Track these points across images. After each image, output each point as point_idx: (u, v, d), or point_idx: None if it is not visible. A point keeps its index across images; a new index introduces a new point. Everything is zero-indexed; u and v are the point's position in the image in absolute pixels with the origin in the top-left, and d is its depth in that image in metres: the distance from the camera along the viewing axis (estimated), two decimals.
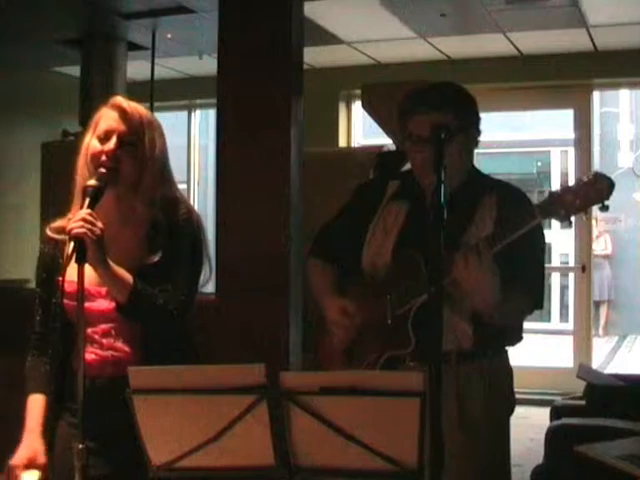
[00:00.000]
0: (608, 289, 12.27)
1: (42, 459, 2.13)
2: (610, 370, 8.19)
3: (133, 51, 6.68)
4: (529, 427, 5.40)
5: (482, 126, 2.43)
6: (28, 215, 6.53)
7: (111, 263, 2.06)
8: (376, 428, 1.63)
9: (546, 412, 3.83)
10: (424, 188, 2.42)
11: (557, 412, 3.71)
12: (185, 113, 8.69)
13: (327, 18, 6.23)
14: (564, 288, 12.09)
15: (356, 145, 7.95)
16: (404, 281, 2.32)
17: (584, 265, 7.26)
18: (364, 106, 5.21)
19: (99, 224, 1.99)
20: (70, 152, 2.23)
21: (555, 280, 12.35)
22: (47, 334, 2.22)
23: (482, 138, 2.45)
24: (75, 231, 1.95)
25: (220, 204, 3.86)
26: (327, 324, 2.48)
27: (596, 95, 8.13)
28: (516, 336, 2.47)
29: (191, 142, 8.67)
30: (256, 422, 1.66)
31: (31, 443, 2.14)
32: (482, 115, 2.43)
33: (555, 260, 12.23)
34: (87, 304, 2.02)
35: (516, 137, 11.94)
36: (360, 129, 8.14)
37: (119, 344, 2.15)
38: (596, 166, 8.53)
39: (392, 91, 3.73)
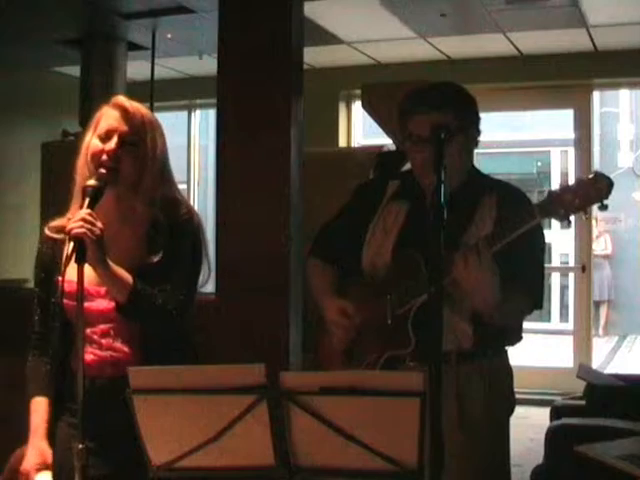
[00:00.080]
0: (608, 289, 12.27)
1: (50, 460, 2.14)
2: (610, 370, 8.19)
3: (133, 51, 6.68)
4: (529, 427, 5.40)
5: (482, 126, 2.43)
6: (28, 215, 6.52)
7: (111, 263, 2.05)
8: (376, 428, 1.63)
9: (546, 412, 3.83)
10: (424, 188, 2.42)
11: (557, 412, 3.71)
12: (185, 113, 8.69)
13: (327, 18, 6.23)
14: (564, 288, 12.09)
15: (356, 145, 7.95)
16: (404, 281, 2.32)
17: (584, 265, 7.26)
18: (364, 106, 5.21)
19: (99, 224, 1.99)
20: (70, 152, 2.23)
21: (555, 280, 12.35)
22: (47, 334, 2.22)
23: (482, 138, 2.45)
24: (75, 231, 1.95)
25: (220, 204, 3.86)
26: (327, 324, 2.48)
27: (596, 95, 8.13)
28: (516, 336, 2.47)
29: (191, 142, 8.67)
30: (256, 422, 1.66)
31: (38, 446, 2.15)
32: (482, 115, 2.43)
33: (555, 260, 12.24)
34: (86, 304, 2.01)
35: (516, 137, 11.94)
36: (360, 129, 8.14)
37: (118, 344, 2.15)
38: (596, 166, 8.53)
39: (392, 91, 3.73)
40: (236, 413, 1.66)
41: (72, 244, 1.94)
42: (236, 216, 3.76)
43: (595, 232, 10.62)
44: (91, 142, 2.16)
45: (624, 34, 6.48)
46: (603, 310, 12.27)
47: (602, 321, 12.25)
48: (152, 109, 5.75)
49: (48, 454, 2.15)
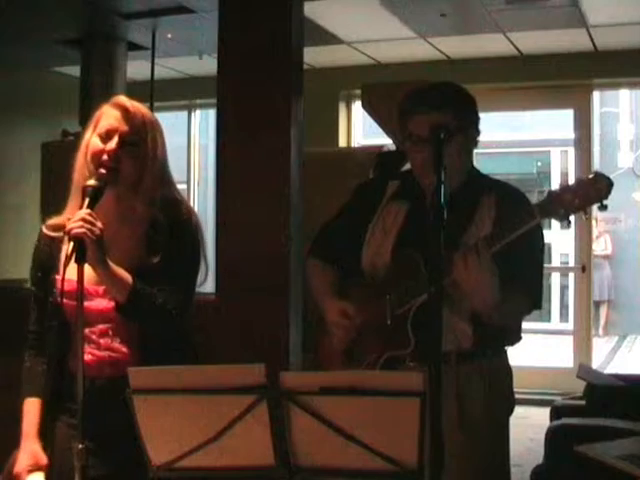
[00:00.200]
0: (608, 289, 12.27)
1: (43, 461, 2.14)
2: (610, 370, 8.19)
3: (133, 51, 6.68)
4: (529, 427, 5.41)
5: (482, 126, 2.43)
6: (28, 215, 6.52)
7: (110, 263, 2.05)
8: (376, 428, 1.63)
9: (546, 412, 3.83)
10: (424, 188, 2.42)
11: (557, 412, 3.71)
12: (185, 113, 8.69)
13: (327, 18, 6.23)
14: (564, 288, 12.09)
15: (356, 145, 7.95)
16: (404, 281, 2.32)
17: (584, 265, 7.27)
18: (364, 106, 5.21)
19: (99, 224, 1.99)
20: (70, 152, 2.22)
21: (555, 280, 12.35)
22: (43, 333, 2.22)
23: (482, 138, 2.45)
24: (75, 231, 1.95)
25: (220, 204, 3.86)
26: (327, 325, 2.48)
27: (596, 95, 8.13)
28: (515, 336, 2.47)
29: (191, 142, 8.68)
30: (256, 422, 1.66)
31: (30, 447, 2.15)
32: (482, 115, 2.43)
33: (555, 260, 12.23)
34: (85, 303, 2.00)
35: (516, 137, 11.93)
36: (360, 129, 8.14)
37: (116, 344, 2.15)
38: (596, 166, 8.53)
39: (392, 91, 3.73)
40: (236, 413, 1.66)
41: (72, 244, 1.94)
42: (236, 216, 3.76)
43: (595, 232, 10.62)
44: (91, 141, 2.16)
45: (624, 34, 6.48)
46: (603, 310, 12.28)
47: (602, 321, 12.25)
48: (152, 109, 5.74)
49: (40, 455, 2.14)
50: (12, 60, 6.73)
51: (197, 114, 8.74)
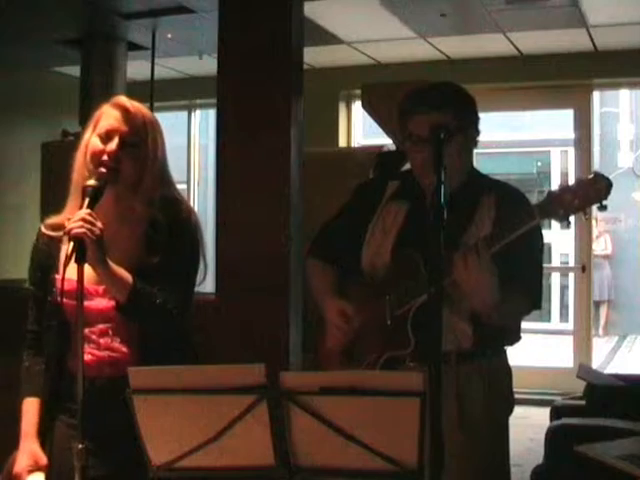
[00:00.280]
0: (608, 289, 12.27)
1: (43, 461, 2.14)
2: (610, 370, 8.19)
3: (133, 51, 6.68)
4: (529, 427, 5.40)
5: (482, 126, 2.43)
6: (28, 215, 6.52)
7: (110, 263, 2.05)
8: (376, 428, 1.63)
9: (546, 412, 3.83)
10: (424, 188, 2.42)
11: (557, 412, 3.71)
12: (185, 113, 8.69)
13: (327, 18, 6.23)
14: (564, 288, 12.09)
15: (356, 145, 7.95)
16: (403, 281, 2.32)
17: (584, 265, 7.27)
18: (364, 106, 5.21)
19: (99, 224, 1.99)
20: (70, 152, 2.22)
21: (555, 280, 12.34)
22: (41, 332, 2.22)
23: (481, 138, 2.45)
24: (75, 231, 1.95)
25: (220, 204, 3.86)
26: (327, 325, 2.48)
27: (596, 95, 8.13)
28: (515, 336, 2.47)
29: (191, 142, 8.68)
30: (256, 422, 1.66)
31: (29, 448, 2.15)
32: (482, 115, 2.43)
33: (555, 260, 12.23)
34: (85, 303, 2.00)
35: (516, 137, 11.93)
36: (360, 129, 8.14)
37: (116, 344, 2.14)
38: (596, 166, 8.53)
39: (392, 91, 3.73)
40: (236, 413, 1.66)
41: (72, 244, 1.94)
42: (236, 216, 3.76)
43: (595, 232, 10.62)
44: (90, 141, 2.15)
45: (624, 34, 6.48)
46: (603, 310, 12.27)
47: (602, 321, 12.25)
48: (152, 109, 5.75)
49: (40, 455, 2.14)
50: (12, 60, 6.73)
51: (197, 114, 8.74)
